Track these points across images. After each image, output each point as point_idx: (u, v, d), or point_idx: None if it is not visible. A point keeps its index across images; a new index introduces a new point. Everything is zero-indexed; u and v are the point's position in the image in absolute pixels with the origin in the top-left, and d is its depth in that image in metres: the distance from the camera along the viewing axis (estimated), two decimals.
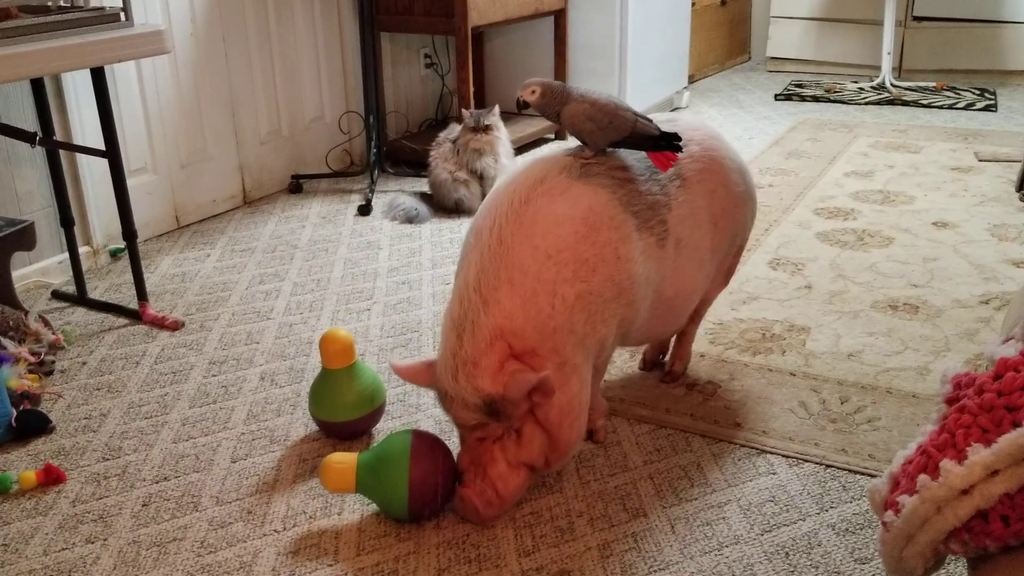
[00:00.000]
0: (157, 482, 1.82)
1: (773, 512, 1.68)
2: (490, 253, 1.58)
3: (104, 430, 2.00)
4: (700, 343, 2.28)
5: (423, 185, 3.49)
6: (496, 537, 1.63)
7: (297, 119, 3.65)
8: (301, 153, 3.70)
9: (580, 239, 1.58)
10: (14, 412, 1.96)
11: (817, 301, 2.51)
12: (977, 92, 4.94)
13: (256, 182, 3.52)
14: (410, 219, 3.23)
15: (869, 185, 3.48)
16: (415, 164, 3.70)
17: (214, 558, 1.60)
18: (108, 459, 1.90)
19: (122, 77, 2.94)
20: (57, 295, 2.68)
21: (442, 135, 3.39)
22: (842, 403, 2.01)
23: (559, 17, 4.11)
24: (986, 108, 4.63)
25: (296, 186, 3.61)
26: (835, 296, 2.54)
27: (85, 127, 2.80)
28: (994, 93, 4.91)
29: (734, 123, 4.51)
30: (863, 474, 1.78)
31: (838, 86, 5.14)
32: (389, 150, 3.83)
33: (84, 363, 2.29)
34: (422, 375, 1.64)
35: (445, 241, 3.05)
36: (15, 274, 2.50)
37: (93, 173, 2.85)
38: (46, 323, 2.32)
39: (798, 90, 5.10)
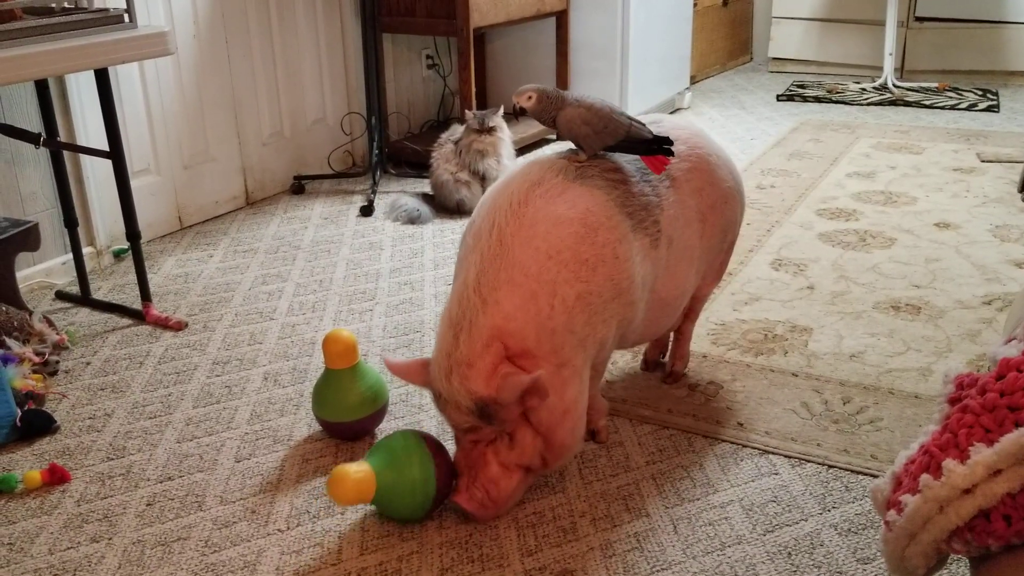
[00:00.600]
0: (161, 482, 1.83)
1: (775, 512, 1.68)
2: (490, 254, 1.59)
3: (108, 430, 2.01)
4: (702, 344, 2.28)
5: (425, 186, 3.49)
6: (499, 537, 1.64)
7: (299, 120, 3.66)
8: (303, 154, 3.71)
9: (579, 240, 1.59)
10: (19, 412, 1.96)
11: (819, 302, 2.51)
12: (979, 93, 4.94)
13: (258, 183, 3.52)
14: (412, 220, 3.23)
15: (871, 186, 3.49)
16: (417, 165, 3.71)
17: (218, 557, 1.61)
18: (112, 459, 1.90)
19: (125, 78, 2.94)
20: (61, 296, 2.69)
21: (444, 136, 3.39)
22: (844, 404, 2.02)
23: (561, 18, 4.12)
24: (988, 109, 4.63)
25: (298, 187, 3.62)
26: (837, 297, 2.54)
27: (89, 128, 2.81)
28: (996, 94, 4.91)
29: (736, 124, 4.52)
30: (865, 474, 1.78)
31: (840, 87, 5.14)
32: (391, 151, 3.84)
33: (88, 363, 2.30)
34: (416, 373, 1.64)
35: (447, 242, 3.05)
36: (19, 275, 2.51)
37: (97, 174, 2.86)
38: (50, 323, 2.32)
39: (800, 91, 5.11)
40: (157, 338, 2.43)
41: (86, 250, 2.82)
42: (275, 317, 2.53)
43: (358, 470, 1.59)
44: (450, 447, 1.71)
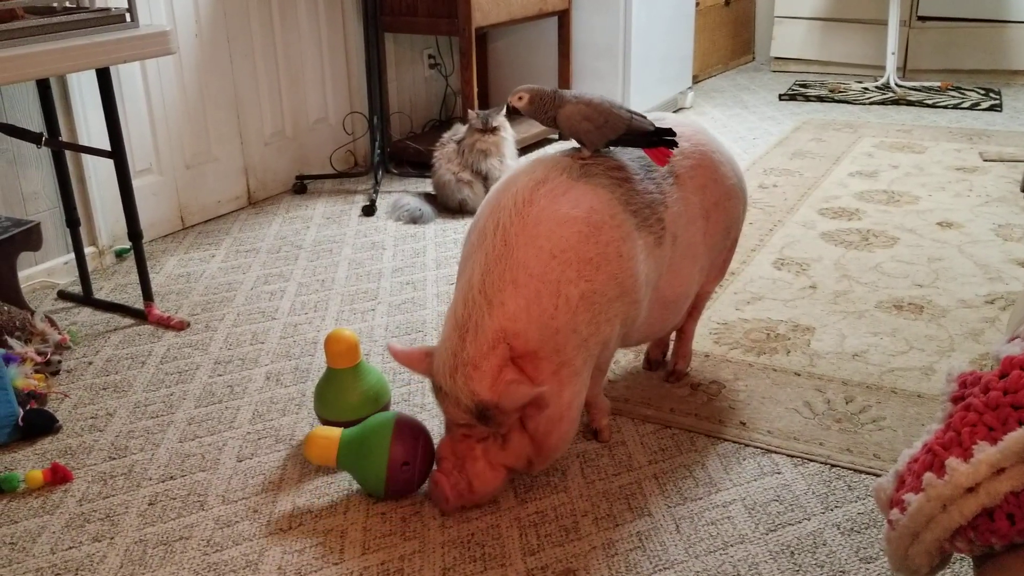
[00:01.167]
0: (163, 481, 1.83)
1: (778, 511, 1.68)
2: (495, 254, 1.59)
3: (110, 429, 2.01)
4: (704, 343, 2.28)
5: (427, 186, 3.49)
6: (501, 536, 1.64)
7: (301, 120, 3.66)
8: (305, 154, 3.71)
9: (583, 239, 1.59)
10: (21, 412, 1.96)
11: (822, 301, 2.51)
12: (982, 92, 4.93)
13: (260, 183, 3.52)
14: (414, 219, 3.23)
15: (874, 185, 3.48)
16: (419, 165, 3.71)
17: (220, 557, 1.61)
18: (114, 458, 1.90)
19: (127, 78, 2.95)
20: (63, 295, 2.69)
21: (446, 136, 3.39)
22: (847, 403, 2.01)
23: (563, 17, 4.12)
24: (991, 108, 4.62)
25: (300, 187, 3.62)
26: (840, 296, 2.54)
27: (91, 128, 2.81)
28: (999, 93, 4.91)
29: (738, 123, 4.51)
30: (868, 473, 1.78)
31: (842, 86, 5.13)
32: (393, 151, 3.84)
33: (90, 363, 2.30)
34: (419, 362, 1.66)
35: (449, 241, 3.05)
36: (21, 274, 2.51)
37: (99, 174, 2.86)
38: (52, 323, 2.32)
39: (802, 90, 5.10)
40: (159, 338, 2.43)
41: (88, 250, 2.82)
42: (277, 317, 2.53)
43: (324, 435, 1.74)
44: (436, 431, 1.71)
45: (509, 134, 3.33)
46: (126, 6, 2.28)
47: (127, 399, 2.13)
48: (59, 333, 2.30)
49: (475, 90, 3.63)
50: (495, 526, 1.66)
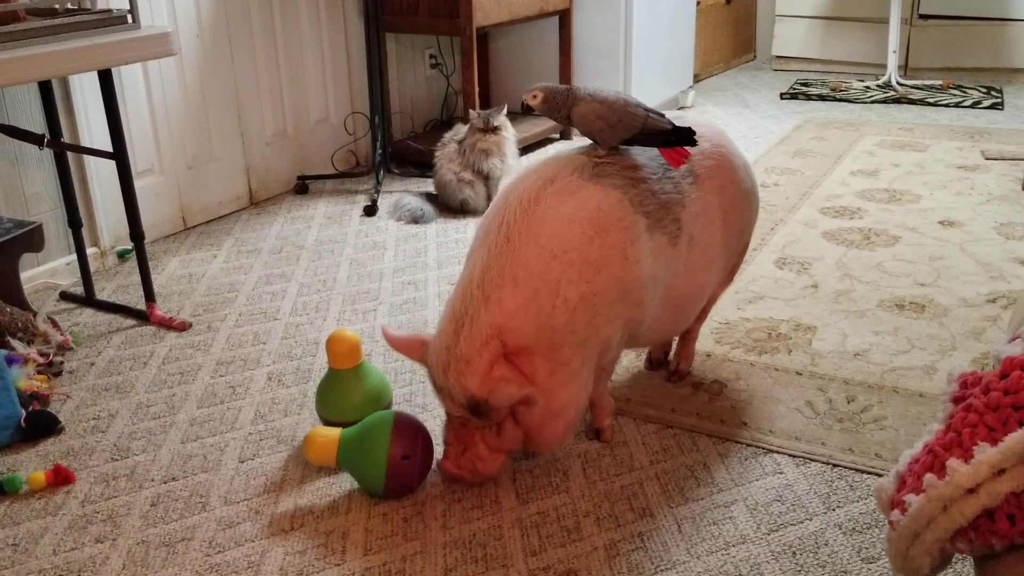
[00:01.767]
0: (165, 482, 1.83)
1: (780, 511, 1.68)
2: (496, 251, 1.59)
3: (112, 430, 2.01)
4: (706, 343, 2.28)
5: (428, 185, 3.49)
6: (503, 537, 1.64)
7: (303, 120, 3.66)
8: (307, 154, 3.71)
9: (587, 240, 1.58)
10: (23, 413, 1.97)
11: (823, 300, 2.51)
12: (983, 90, 4.93)
13: (262, 183, 3.53)
14: (416, 219, 3.23)
15: (875, 184, 3.48)
16: (420, 164, 3.71)
17: (222, 558, 1.61)
18: (117, 459, 1.91)
19: (129, 79, 2.95)
20: (65, 296, 2.69)
21: (447, 135, 3.39)
22: (848, 402, 2.01)
23: (564, 17, 4.12)
24: (993, 106, 4.62)
25: (302, 187, 3.62)
26: (841, 295, 2.54)
27: (92, 129, 2.81)
28: (1001, 91, 4.90)
29: (740, 122, 4.51)
30: (870, 473, 1.78)
31: (844, 85, 5.13)
32: (394, 151, 3.84)
33: (92, 364, 2.30)
34: (414, 349, 1.68)
35: (451, 241, 3.05)
36: (23, 275, 2.51)
37: (100, 175, 2.87)
38: (54, 324, 2.33)
39: (804, 89, 5.10)
40: (161, 338, 2.43)
41: (90, 251, 2.83)
42: (279, 317, 2.53)
43: (323, 435, 1.74)
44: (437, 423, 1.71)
45: (510, 134, 3.33)
46: (128, 7, 2.28)
47: (129, 400, 2.13)
48: (61, 334, 2.30)
49: (476, 90, 3.63)
50: (497, 527, 1.66)
